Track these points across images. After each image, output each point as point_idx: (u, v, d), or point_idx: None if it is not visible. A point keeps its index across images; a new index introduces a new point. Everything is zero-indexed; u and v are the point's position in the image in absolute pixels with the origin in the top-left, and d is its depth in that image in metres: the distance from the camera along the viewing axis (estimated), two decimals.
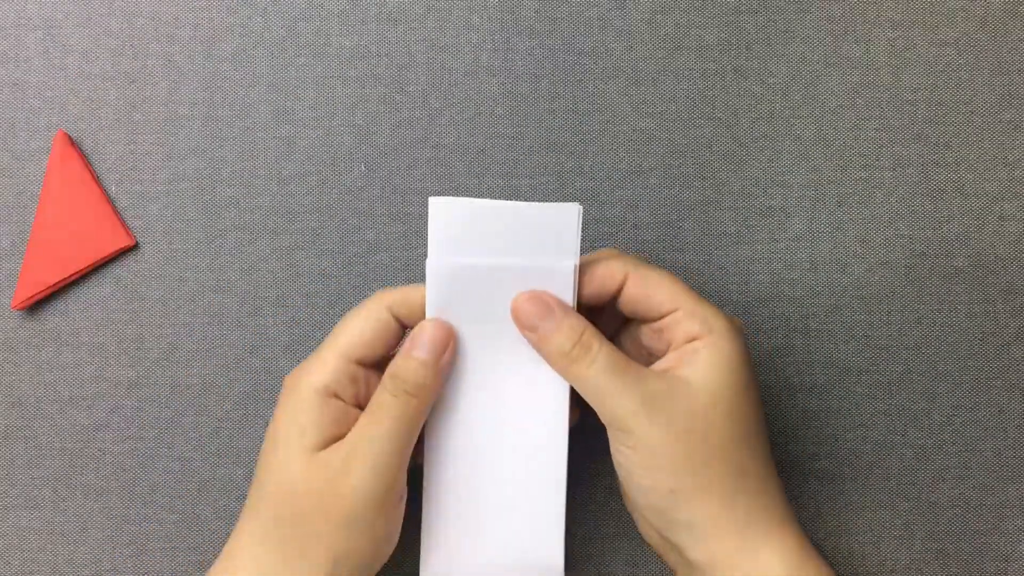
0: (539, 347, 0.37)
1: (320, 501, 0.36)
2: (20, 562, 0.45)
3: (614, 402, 0.36)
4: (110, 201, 0.45)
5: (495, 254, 0.37)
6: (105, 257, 0.45)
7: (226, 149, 0.46)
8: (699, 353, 0.36)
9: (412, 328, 0.38)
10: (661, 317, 0.38)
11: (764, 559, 0.36)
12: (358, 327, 0.38)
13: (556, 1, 0.46)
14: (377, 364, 0.39)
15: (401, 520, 0.38)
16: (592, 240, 0.46)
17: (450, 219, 0.37)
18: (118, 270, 0.45)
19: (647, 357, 0.39)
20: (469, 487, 0.39)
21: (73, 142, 0.45)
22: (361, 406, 0.38)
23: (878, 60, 0.46)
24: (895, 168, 0.46)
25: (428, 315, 0.37)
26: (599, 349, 0.36)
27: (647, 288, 0.38)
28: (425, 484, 0.39)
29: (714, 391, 0.36)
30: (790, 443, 0.46)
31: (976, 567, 0.46)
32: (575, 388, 0.37)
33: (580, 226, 0.37)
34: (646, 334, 0.39)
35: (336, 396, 0.37)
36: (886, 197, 0.46)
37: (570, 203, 0.36)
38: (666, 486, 0.36)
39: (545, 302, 0.37)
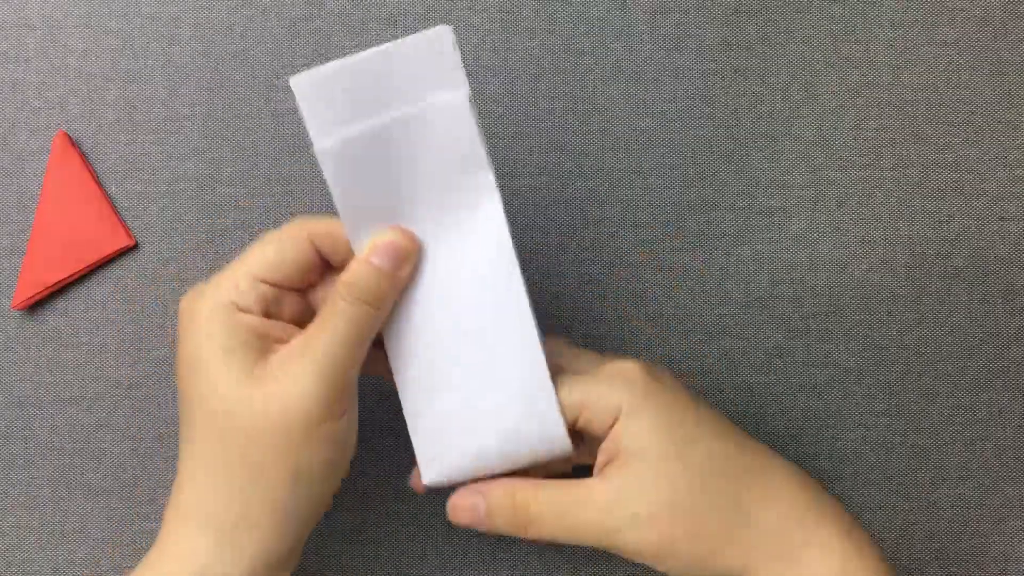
0: (494, 531, 0.37)
1: (265, 416, 0.33)
2: (20, 562, 0.45)
3: (583, 538, 0.36)
4: (110, 201, 0.45)
5: (381, 111, 0.34)
6: (105, 257, 0.45)
7: (226, 149, 0.46)
8: (625, 434, 0.36)
9: (334, 264, 0.37)
10: (573, 423, 0.37)
11: (807, 570, 0.35)
12: (271, 249, 0.35)
13: (556, 1, 0.46)
14: (290, 290, 0.37)
15: (356, 425, 0.36)
16: (593, 239, 0.46)
17: (321, 93, 0.34)
18: (118, 270, 0.45)
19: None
20: (440, 371, 0.37)
21: (73, 142, 0.45)
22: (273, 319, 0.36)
23: (878, 60, 0.46)
24: (895, 168, 0.46)
25: (338, 204, 0.35)
26: (536, 505, 0.36)
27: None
28: (398, 384, 0.37)
29: (663, 461, 0.35)
30: (790, 443, 0.46)
31: (976, 567, 0.46)
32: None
33: (457, 49, 0.34)
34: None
35: (244, 311, 0.35)
36: (886, 197, 0.46)
37: (438, 27, 0.34)
38: (683, 564, 0.35)
39: (471, 498, 0.37)
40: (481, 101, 0.46)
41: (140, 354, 0.45)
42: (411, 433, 0.38)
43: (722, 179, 0.46)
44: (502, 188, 0.46)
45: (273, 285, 0.36)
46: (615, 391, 0.36)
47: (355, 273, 0.35)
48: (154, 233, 0.45)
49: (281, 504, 0.34)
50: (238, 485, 0.34)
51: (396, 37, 0.45)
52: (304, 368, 0.34)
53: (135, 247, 0.45)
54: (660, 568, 0.36)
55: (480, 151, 0.35)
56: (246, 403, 0.34)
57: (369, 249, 0.35)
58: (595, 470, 0.37)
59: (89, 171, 0.45)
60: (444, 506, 0.45)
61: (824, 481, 0.46)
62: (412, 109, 0.34)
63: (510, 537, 0.45)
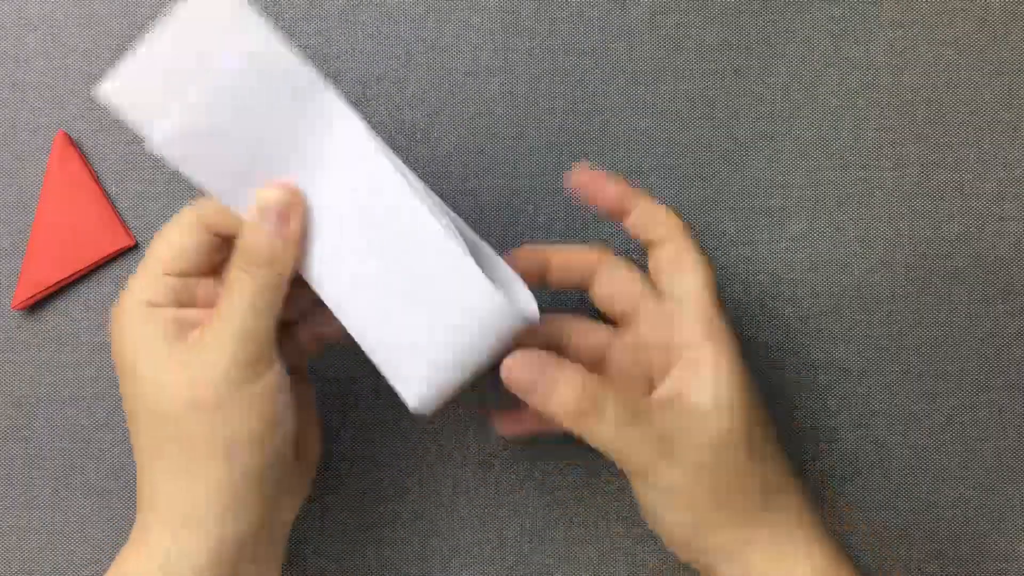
0: (543, 409, 0.35)
1: (183, 394, 0.34)
2: (20, 562, 0.45)
3: (630, 453, 0.35)
4: (110, 201, 0.45)
5: (196, 81, 0.34)
6: (105, 257, 0.45)
7: None
8: (702, 374, 0.36)
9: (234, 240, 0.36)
10: (628, 323, 0.37)
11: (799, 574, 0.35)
12: (168, 241, 0.36)
13: (556, 1, 0.46)
14: (201, 275, 0.37)
15: (287, 393, 0.36)
16: (593, 239, 0.46)
17: (129, 92, 0.34)
18: (118, 270, 0.45)
19: (645, 360, 0.38)
20: (378, 300, 0.36)
21: (73, 142, 0.45)
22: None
23: (878, 60, 0.46)
24: (895, 168, 0.46)
25: (200, 185, 0.35)
26: (604, 400, 0.35)
27: (609, 287, 0.38)
28: (350, 331, 0.36)
29: (727, 415, 0.35)
30: (790, 443, 0.46)
31: (976, 567, 0.46)
32: (584, 439, 0.35)
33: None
34: (631, 341, 0.38)
35: (157, 306, 0.35)
36: (886, 197, 0.46)
37: None
38: (690, 521, 0.35)
39: (537, 360, 0.35)
40: (481, 101, 0.46)
41: None
42: (384, 374, 0.36)
43: (722, 179, 0.46)
44: (503, 188, 0.46)
45: (180, 275, 0.36)
46: (697, 317, 0.36)
47: (245, 239, 0.35)
48: (154, 233, 0.45)
49: (224, 484, 0.34)
50: (179, 474, 0.34)
51: (397, 37, 0.46)
52: (212, 340, 0.34)
53: (135, 247, 0.45)
54: (660, 525, 0.36)
55: (306, 74, 0.35)
56: (167, 388, 0.34)
57: (252, 213, 0.35)
58: (665, 389, 0.36)
59: (89, 171, 0.45)
60: (444, 506, 0.45)
61: (824, 481, 0.46)
62: (223, 66, 0.34)
63: (510, 537, 0.45)
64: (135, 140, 0.45)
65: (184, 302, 0.36)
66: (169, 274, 0.36)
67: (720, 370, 0.36)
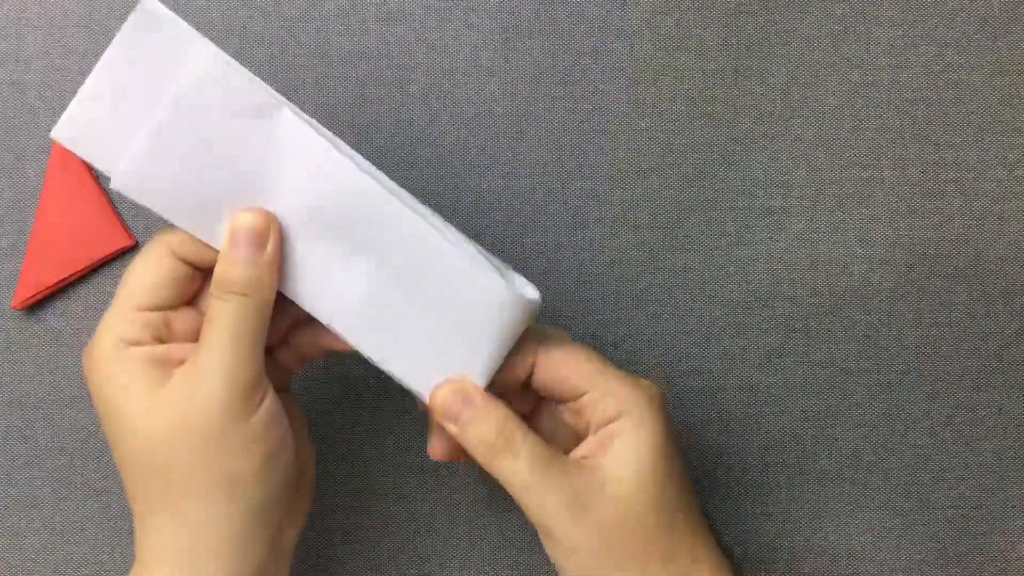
0: (460, 439, 0.36)
1: (176, 435, 0.33)
2: (20, 561, 0.45)
3: (537, 501, 0.35)
4: (110, 201, 0.45)
5: (148, 110, 0.33)
6: (105, 257, 0.45)
7: None
8: (618, 439, 0.35)
9: (207, 267, 0.35)
10: (576, 398, 0.37)
11: None
12: (139, 276, 0.35)
13: (556, 1, 0.46)
14: (178, 307, 0.36)
15: (280, 418, 0.35)
16: (593, 239, 0.46)
17: (85, 129, 0.33)
18: (118, 270, 0.45)
19: (569, 434, 0.38)
20: (380, 305, 0.35)
21: None
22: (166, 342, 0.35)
23: (878, 60, 0.46)
24: (895, 168, 0.46)
25: (168, 218, 0.34)
26: (523, 442, 0.35)
27: (558, 370, 0.37)
28: (345, 337, 0.36)
29: (637, 480, 0.35)
30: (790, 443, 0.46)
31: (976, 567, 0.46)
32: (499, 481, 0.36)
33: (173, 14, 0.33)
34: (566, 413, 0.38)
35: (135, 344, 0.34)
36: (886, 197, 0.46)
37: (142, 2, 0.32)
38: None
39: (465, 391, 0.36)
40: (481, 101, 0.46)
41: None
42: (397, 377, 0.36)
43: (722, 179, 0.46)
44: (503, 188, 0.46)
45: (156, 310, 0.35)
46: (638, 393, 0.36)
47: (221, 268, 0.34)
48: (154, 233, 0.45)
49: (230, 523, 0.33)
50: (180, 518, 0.33)
51: (396, 37, 0.46)
52: (201, 376, 0.33)
53: (135, 247, 0.45)
54: (562, 564, 0.36)
55: (259, 91, 0.34)
56: (157, 430, 0.33)
57: (226, 241, 0.34)
58: (584, 449, 0.37)
59: (89, 171, 0.45)
60: (444, 506, 0.45)
61: (824, 481, 0.46)
62: (173, 95, 0.33)
63: (510, 537, 0.45)
64: None
65: (161, 337, 0.35)
66: (143, 309, 0.35)
67: (637, 436, 0.35)
